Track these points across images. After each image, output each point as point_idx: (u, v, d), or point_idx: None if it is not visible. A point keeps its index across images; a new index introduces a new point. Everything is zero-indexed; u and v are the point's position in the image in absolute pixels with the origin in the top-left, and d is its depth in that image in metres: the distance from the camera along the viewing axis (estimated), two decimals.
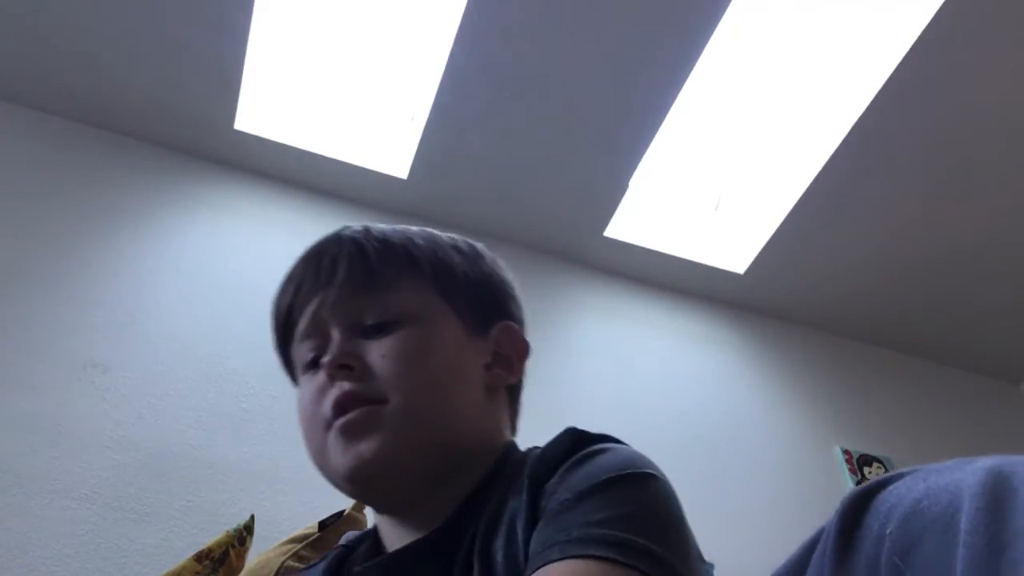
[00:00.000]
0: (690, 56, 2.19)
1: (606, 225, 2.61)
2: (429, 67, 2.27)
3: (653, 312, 2.76)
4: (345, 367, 0.64)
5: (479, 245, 0.77)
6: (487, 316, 0.72)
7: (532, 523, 0.55)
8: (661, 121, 2.34)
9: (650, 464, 0.58)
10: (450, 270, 0.71)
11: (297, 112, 2.44)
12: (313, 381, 0.67)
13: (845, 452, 2.64)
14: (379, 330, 0.66)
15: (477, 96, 2.30)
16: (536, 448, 0.65)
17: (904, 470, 0.46)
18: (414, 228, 0.74)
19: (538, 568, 0.51)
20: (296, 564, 1.18)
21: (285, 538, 1.27)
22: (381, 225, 0.74)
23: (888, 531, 0.42)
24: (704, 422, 2.55)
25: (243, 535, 1.41)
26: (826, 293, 2.83)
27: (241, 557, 1.39)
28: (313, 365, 0.68)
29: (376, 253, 0.69)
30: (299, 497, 1.86)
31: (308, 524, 1.31)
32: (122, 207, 2.31)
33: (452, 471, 0.64)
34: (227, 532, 1.41)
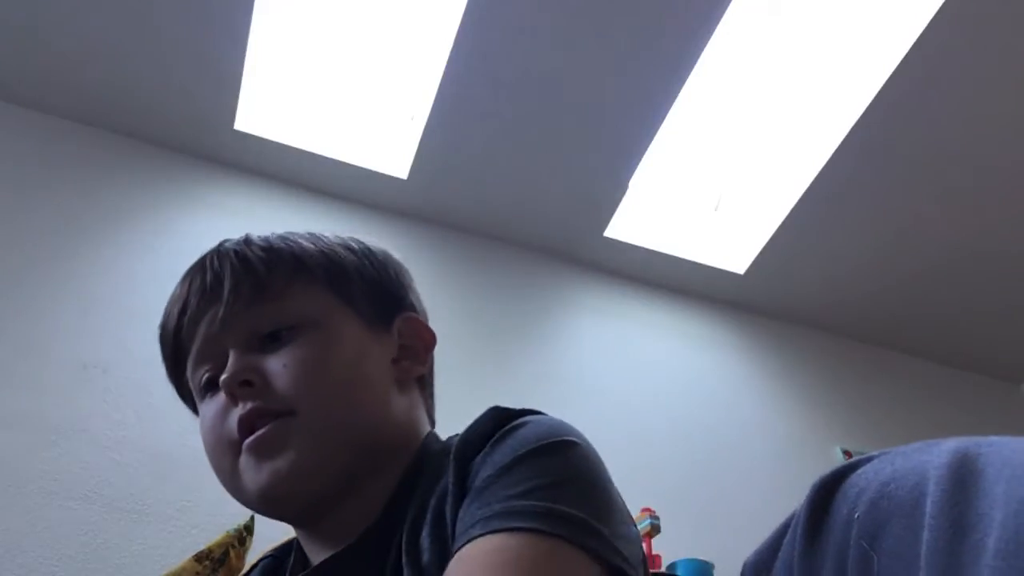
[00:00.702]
0: (690, 56, 2.19)
1: (606, 225, 2.61)
2: (429, 67, 2.27)
3: (653, 312, 2.76)
4: (246, 383, 0.61)
5: (369, 240, 0.74)
6: (387, 311, 0.70)
7: (461, 503, 0.54)
8: (661, 121, 2.34)
9: (572, 431, 0.58)
10: (342, 269, 0.69)
11: (297, 112, 2.44)
12: (213, 403, 0.64)
13: (845, 452, 2.64)
14: (275, 340, 0.64)
15: (477, 96, 2.30)
16: (458, 434, 0.63)
17: (873, 453, 0.46)
18: (299, 231, 0.72)
19: (462, 547, 0.50)
20: None
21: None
22: (262, 233, 0.71)
23: (856, 515, 0.42)
24: (704, 422, 2.55)
25: (243, 535, 1.41)
26: (826, 293, 2.83)
27: (241, 557, 1.39)
28: (210, 386, 0.65)
29: (261, 262, 0.67)
30: None
31: None
32: (122, 207, 2.31)
33: (372, 472, 0.63)
34: (227, 532, 1.41)
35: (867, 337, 2.98)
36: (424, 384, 0.72)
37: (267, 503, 0.62)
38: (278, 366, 0.62)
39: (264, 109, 2.41)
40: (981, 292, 2.79)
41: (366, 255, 0.71)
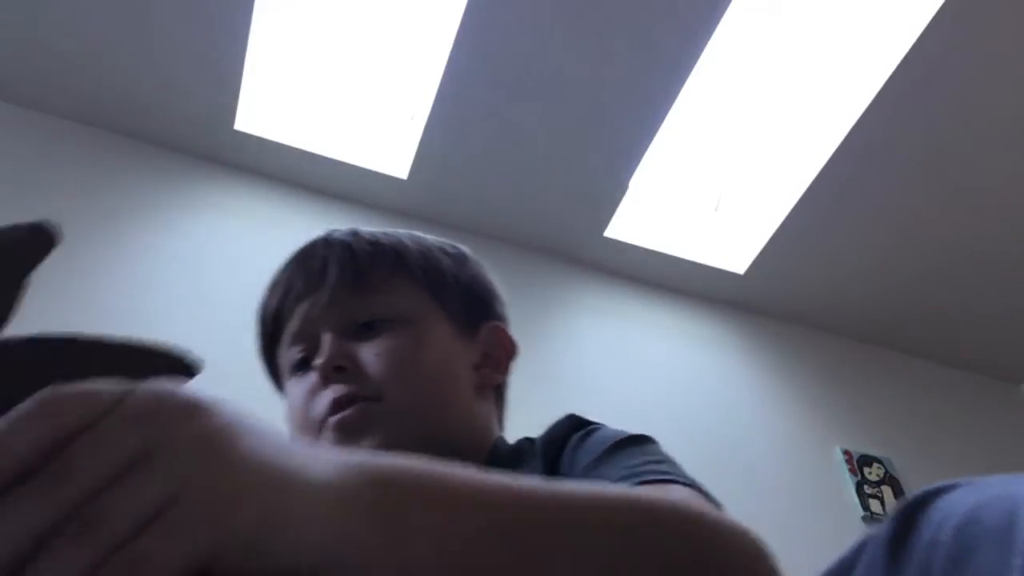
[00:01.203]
0: (690, 56, 2.19)
1: (606, 225, 2.61)
2: (429, 67, 2.27)
3: (653, 312, 2.76)
4: (339, 368, 0.65)
5: (465, 248, 0.78)
6: (475, 317, 0.74)
7: None
8: (661, 121, 2.34)
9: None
10: (439, 272, 0.72)
11: (297, 112, 2.44)
12: (303, 382, 0.67)
13: (845, 452, 2.64)
14: (370, 330, 0.67)
15: (477, 96, 2.30)
16: (527, 439, 0.66)
17: (959, 480, 0.45)
18: (402, 231, 0.75)
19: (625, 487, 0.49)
20: None
21: None
22: (370, 228, 0.74)
23: (941, 539, 0.42)
24: (704, 422, 2.55)
25: None
26: (826, 293, 2.83)
27: None
28: (301, 367, 0.69)
29: (367, 255, 0.70)
30: None
31: None
32: (122, 207, 2.31)
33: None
34: None
35: (867, 337, 2.98)
36: (500, 393, 0.75)
37: None
38: (371, 355, 0.65)
39: (264, 109, 2.41)
40: (981, 292, 2.79)
41: (461, 261, 0.75)
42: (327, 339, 0.66)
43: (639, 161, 2.45)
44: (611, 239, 2.64)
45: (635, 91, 2.28)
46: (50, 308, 2.06)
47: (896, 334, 2.96)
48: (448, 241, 0.77)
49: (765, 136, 2.50)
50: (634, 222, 2.64)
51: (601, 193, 2.54)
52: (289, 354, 0.70)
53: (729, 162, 2.60)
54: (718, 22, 2.11)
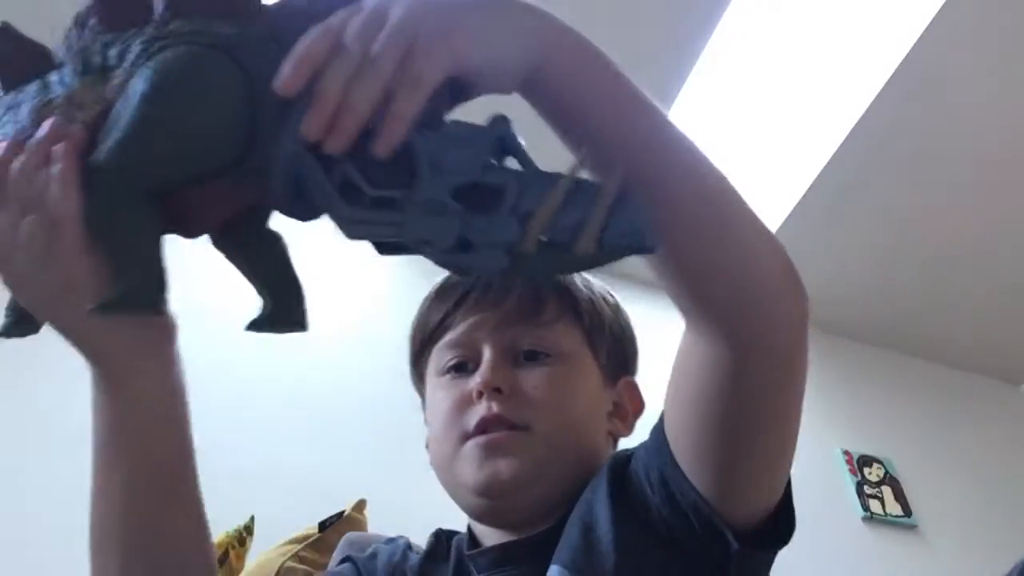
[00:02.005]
0: (690, 56, 2.18)
1: None
2: None
3: (653, 312, 2.76)
4: (497, 390, 0.68)
5: (617, 298, 0.83)
6: (618, 369, 0.78)
7: (613, 492, 0.62)
8: None
9: None
10: (601, 321, 0.76)
11: None
12: (454, 388, 0.71)
13: (845, 453, 2.64)
14: (530, 359, 0.70)
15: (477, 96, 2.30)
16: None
17: None
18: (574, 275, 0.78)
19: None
20: (296, 565, 1.18)
21: (285, 539, 1.27)
22: None
23: None
24: None
25: (243, 536, 1.41)
26: (827, 293, 2.83)
27: (241, 558, 1.39)
28: (455, 370, 0.72)
29: (548, 288, 0.73)
30: (299, 497, 1.86)
31: (308, 525, 1.31)
32: None
33: (566, 501, 0.68)
34: (226, 533, 1.41)
35: (868, 338, 2.98)
36: (615, 445, 0.77)
37: (479, 497, 0.68)
38: (528, 384, 0.69)
39: None
40: (981, 293, 2.78)
41: (618, 313, 0.80)
42: (489, 356, 0.69)
43: None
44: None
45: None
46: None
47: (896, 334, 2.96)
48: (607, 288, 0.81)
49: (765, 136, 2.50)
50: None
51: None
52: (443, 355, 0.73)
53: (729, 162, 2.59)
54: (718, 22, 2.11)
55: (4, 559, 1.68)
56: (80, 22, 0.48)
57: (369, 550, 0.77)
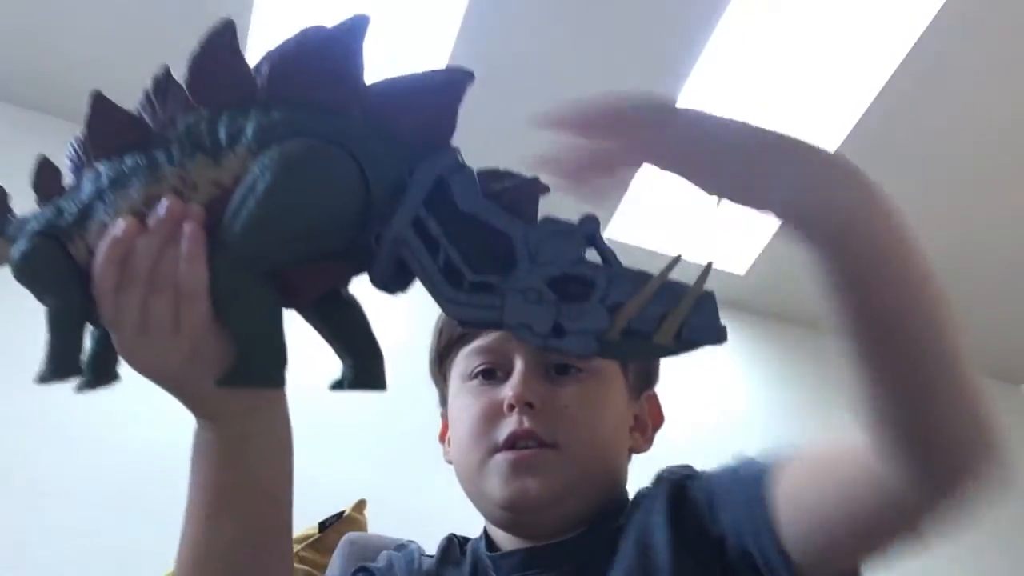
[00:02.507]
0: (690, 56, 2.19)
1: (606, 226, 2.61)
2: (429, 67, 2.27)
3: None
4: (530, 404, 0.67)
5: None
6: (643, 384, 0.78)
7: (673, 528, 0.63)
8: None
9: None
10: None
11: None
12: (482, 396, 0.70)
13: None
14: (561, 373, 0.70)
15: (477, 96, 2.29)
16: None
17: None
18: None
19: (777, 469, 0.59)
20: (296, 565, 1.18)
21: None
22: None
23: None
24: (704, 423, 2.55)
25: None
26: None
27: None
28: (483, 375, 0.71)
29: None
30: (299, 498, 1.86)
31: (308, 525, 1.31)
32: None
33: (587, 516, 0.69)
34: None
35: None
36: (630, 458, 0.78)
37: (505, 508, 0.68)
38: (560, 401, 0.68)
39: None
40: (981, 293, 2.79)
41: None
42: (521, 367, 0.69)
43: None
44: (611, 239, 2.64)
45: (635, 91, 2.28)
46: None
47: None
48: None
49: None
50: (634, 222, 2.63)
51: None
52: (472, 360, 0.72)
53: None
54: (718, 22, 2.11)
55: (4, 559, 1.68)
56: (160, 89, 0.50)
57: (382, 560, 0.76)
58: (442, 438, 0.79)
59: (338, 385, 0.53)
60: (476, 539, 0.75)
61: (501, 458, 0.67)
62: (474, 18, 2.12)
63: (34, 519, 1.73)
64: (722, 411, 2.64)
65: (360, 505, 1.46)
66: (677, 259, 0.49)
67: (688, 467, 0.72)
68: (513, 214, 0.47)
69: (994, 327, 2.91)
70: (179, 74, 0.50)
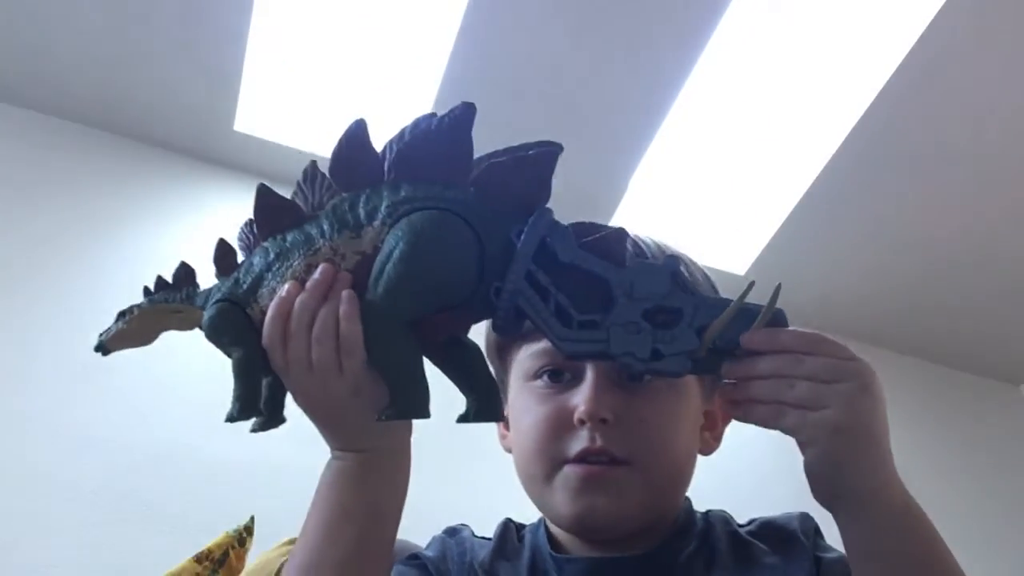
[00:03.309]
0: (690, 56, 2.18)
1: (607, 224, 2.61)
2: (429, 68, 2.27)
3: None
4: (603, 420, 0.65)
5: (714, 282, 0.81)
6: (717, 380, 0.75)
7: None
8: (661, 121, 2.34)
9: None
10: None
11: (297, 113, 2.44)
12: (549, 401, 0.68)
13: None
14: (634, 379, 0.67)
15: (477, 96, 2.27)
16: (723, 512, 0.77)
17: None
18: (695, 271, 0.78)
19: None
20: None
21: (285, 539, 1.27)
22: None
23: None
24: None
25: (243, 536, 1.41)
26: (827, 294, 2.83)
27: (241, 558, 1.39)
28: (550, 376, 0.69)
29: None
30: (299, 498, 1.86)
31: None
32: (122, 208, 2.31)
33: (659, 523, 0.70)
34: (227, 533, 1.41)
35: (867, 338, 2.98)
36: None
37: (575, 525, 0.68)
38: (634, 416, 0.66)
39: (264, 110, 2.40)
40: (981, 292, 2.78)
41: None
42: (592, 377, 0.67)
43: (639, 161, 2.44)
44: None
45: (635, 91, 2.28)
46: (47, 309, 2.06)
47: (896, 335, 2.95)
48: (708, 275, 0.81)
49: (766, 137, 2.50)
50: (634, 222, 2.63)
51: (601, 193, 2.54)
52: (536, 360, 0.71)
53: (729, 162, 2.59)
54: (718, 22, 2.11)
55: (4, 559, 1.68)
56: (309, 178, 0.62)
57: (433, 548, 0.75)
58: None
59: (464, 418, 0.61)
60: (534, 529, 0.74)
61: (570, 472, 0.66)
62: (474, 18, 2.12)
63: (34, 519, 1.72)
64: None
65: None
66: (751, 285, 0.57)
67: (808, 522, 0.74)
68: (606, 259, 0.56)
69: (994, 327, 2.91)
70: (323, 166, 0.62)
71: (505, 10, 2.11)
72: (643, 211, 2.64)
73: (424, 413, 0.57)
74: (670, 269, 0.56)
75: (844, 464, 0.57)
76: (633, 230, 0.73)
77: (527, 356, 0.72)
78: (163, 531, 1.79)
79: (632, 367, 0.53)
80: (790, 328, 0.58)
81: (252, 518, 1.44)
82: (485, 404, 0.61)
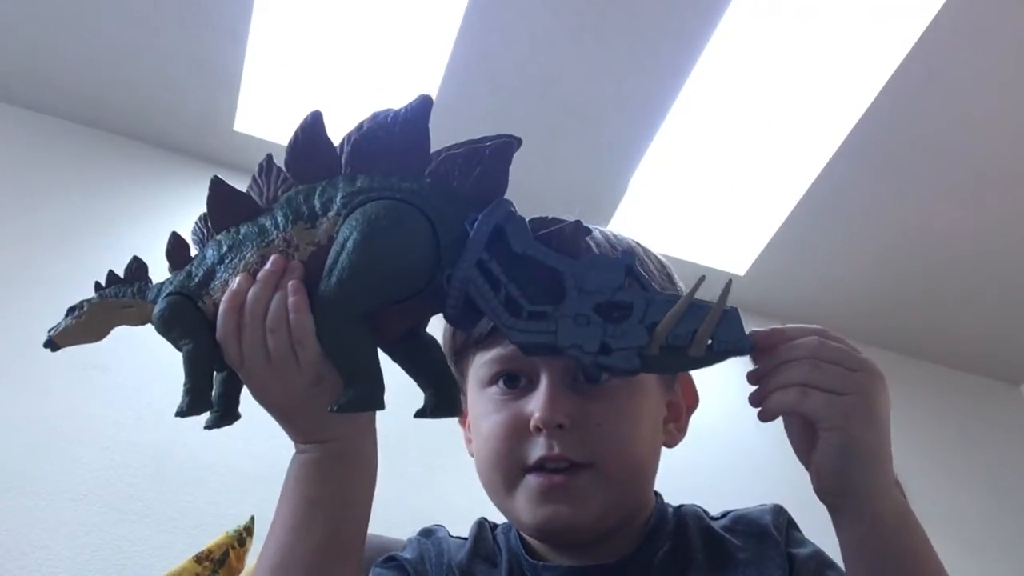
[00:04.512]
0: (690, 57, 2.19)
1: (606, 226, 2.60)
2: (429, 68, 2.27)
3: None
4: (560, 426, 0.64)
5: (673, 272, 0.79)
6: (672, 378, 0.74)
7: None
8: (661, 121, 2.34)
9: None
10: None
11: (297, 113, 2.43)
12: (506, 408, 0.67)
13: None
14: (590, 380, 0.65)
15: (477, 97, 2.30)
16: (696, 507, 0.76)
17: None
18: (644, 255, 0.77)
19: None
20: None
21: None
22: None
23: None
24: (703, 424, 2.54)
25: (243, 536, 1.41)
26: (827, 294, 2.83)
27: (241, 558, 1.39)
28: (505, 384, 0.68)
29: None
30: None
31: None
32: (122, 208, 2.31)
33: (629, 521, 0.69)
34: (227, 533, 1.41)
35: (867, 338, 2.98)
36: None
37: (538, 533, 0.68)
38: (592, 419, 0.65)
39: (264, 110, 2.40)
40: (981, 293, 2.79)
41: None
42: (547, 384, 0.65)
43: (639, 161, 2.44)
44: None
45: (635, 91, 2.28)
46: (47, 308, 2.06)
47: (896, 335, 2.96)
48: (663, 259, 0.80)
49: (765, 137, 2.50)
50: (634, 223, 2.63)
51: (601, 194, 2.54)
52: (489, 368, 0.69)
53: (729, 163, 2.59)
54: (717, 23, 2.11)
55: (4, 559, 1.68)
56: (264, 171, 0.61)
57: (410, 550, 0.74)
58: (462, 422, 0.76)
59: (421, 413, 0.61)
60: (507, 531, 0.73)
61: (532, 480, 0.65)
62: (474, 18, 2.12)
63: (34, 519, 1.72)
64: (721, 412, 2.63)
65: None
66: (702, 279, 0.55)
67: (781, 515, 0.74)
68: (561, 252, 0.55)
69: (994, 327, 2.91)
70: (279, 160, 0.61)
71: (505, 10, 2.11)
72: (643, 211, 2.64)
73: (378, 404, 0.56)
74: (624, 264, 0.55)
75: (861, 457, 0.57)
76: (593, 224, 0.71)
77: (482, 363, 0.70)
78: (163, 531, 1.79)
79: (580, 360, 0.52)
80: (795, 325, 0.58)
81: (252, 518, 1.44)
82: (444, 399, 0.60)
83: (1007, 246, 2.63)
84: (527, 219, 0.57)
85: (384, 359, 0.59)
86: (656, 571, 0.66)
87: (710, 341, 0.53)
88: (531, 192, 2.60)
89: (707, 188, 2.67)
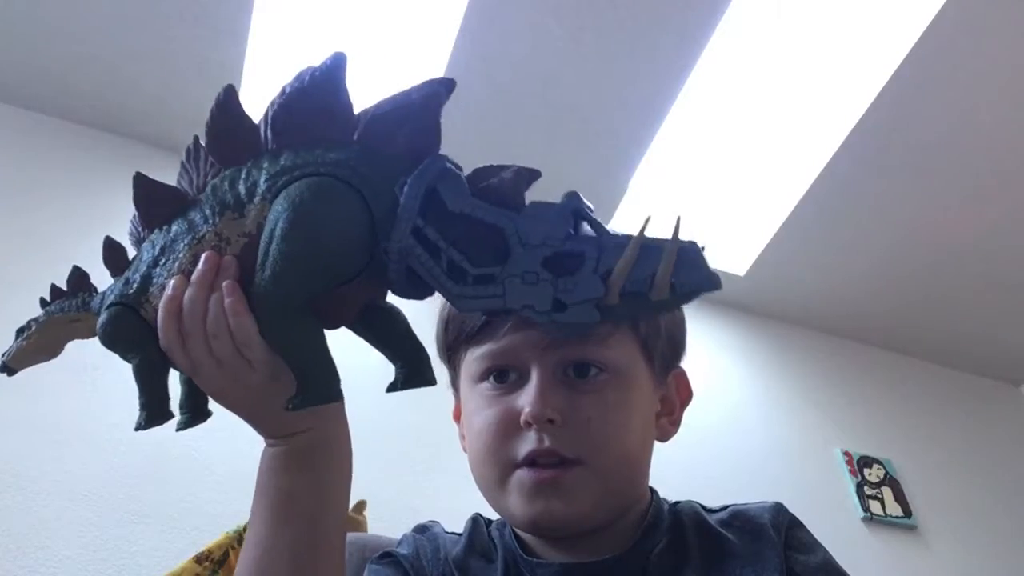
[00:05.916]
0: (690, 57, 2.19)
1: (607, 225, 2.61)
2: (429, 69, 2.27)
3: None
4: (550, 421, 0.63)
5: None
6: (669, 365, 0.73)
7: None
8: (661, 122, 2.34)
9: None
10: (657, 328, 0.71)
11: None
12: (497, 403, 0.67)
13: (845, 454, 2.64)
14: (581, 375, 0.65)
15: (477, 97, 2.30)
16: (692, 502, 0.74)
17: None
18: None
19: None
20: None
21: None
22: None
23: None
24: (704, 424, 2.55)
25: (243, 536, 1.41)
26: (826, 295, 2.83)
27: None
28: (496, 379, 0.68)
29: None
30: None
31: None
32: (122, 209, 2.31)
33: (622, 516, 0.68)
34: (227, 533, 1.41)
35: (867, 338, 2.98)
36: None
37: (530, 528, 0.67)
38: (582, 414, 0.64)
39: (264, 109, 2.40)
40: (981, 293, 2.79)
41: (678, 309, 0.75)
42: (537, 380, 0.65)
43: (639, 161, 2.45)
44: None
45: (635, 91, 2.28)
46: None
47: (896, 335, 2.96)
48: None
49: (766, 137, 2.50)
50: (634, 223, 2.63)
51: (601, 194, 2.54)
52: (480, 363, 0.69)
53: (729, 163, 2.59)
54: (717, 23, 2.11)
55: (4, 559, 1.68)
56: (191, 156, 0.57)
57: (406, 546, 0.74)
58: (456, 417, 0.76)
59: (393, 387, 0.58)
60: (503, 529, 0.73)
61: (523, 476, 0.64)
62: (474, 18, 2.12)
63: (34, 519, 1.72)
64: (722, 412, 2.63)
65: (360, 506, 1.46)
66: (648, 219, 0.52)
67: (781, 515, 0.72)
68: (501, 207, 0.49)
69: (994, 327, 2.91)
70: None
71: (505, 11, 2.11)
72: (643, 211, 2.64)
73: (333, 397, 0.53)
74: (570, 208, 0.50)
75: None
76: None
77: (473, 359, 0.69)
78: (163, 531, 1.79)
79: (534, 319, 0.47)
80: None
81: None
82: (415, 370, 0.57)
83: (1007, 246, 2.63)
84: (467, 172, 0.52)
85: (349, 339, 0.56)
86: (652, 567, 0.66)
87: (672, 282, 0.48)
88: (531, 192, 2.60)
89: (707, 188, 2.67)
